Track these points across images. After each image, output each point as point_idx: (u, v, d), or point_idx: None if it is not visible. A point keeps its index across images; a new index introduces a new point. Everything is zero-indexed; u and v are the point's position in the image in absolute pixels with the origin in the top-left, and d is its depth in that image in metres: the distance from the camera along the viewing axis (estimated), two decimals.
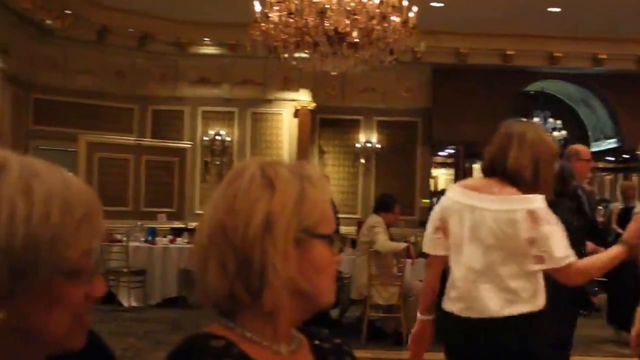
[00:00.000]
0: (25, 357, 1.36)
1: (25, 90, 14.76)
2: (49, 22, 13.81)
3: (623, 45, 16.07)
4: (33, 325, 1.31)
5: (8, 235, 1.26)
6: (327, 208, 1.66)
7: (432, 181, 17.58)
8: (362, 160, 16.83)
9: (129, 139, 15.63)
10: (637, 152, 16.78)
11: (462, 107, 15.87)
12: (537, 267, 3.72)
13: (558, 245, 3.69)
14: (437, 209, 4.00)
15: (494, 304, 3.75)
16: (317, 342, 1.77)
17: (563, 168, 6.80)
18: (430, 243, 4.01)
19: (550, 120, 20.34)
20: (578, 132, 19.86)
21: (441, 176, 20.07)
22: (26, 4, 12.90)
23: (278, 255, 1.56)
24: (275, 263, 1.56)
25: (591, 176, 7.54)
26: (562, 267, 3.67)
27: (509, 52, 16.20)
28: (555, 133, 20.29)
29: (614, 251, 3.78)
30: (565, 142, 20.30)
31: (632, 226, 3.85)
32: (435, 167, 17.46)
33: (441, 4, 13.81)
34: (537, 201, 3.76)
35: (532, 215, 3.72)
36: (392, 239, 9.97)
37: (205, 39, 16.30)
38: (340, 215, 15.34)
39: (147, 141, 15.86)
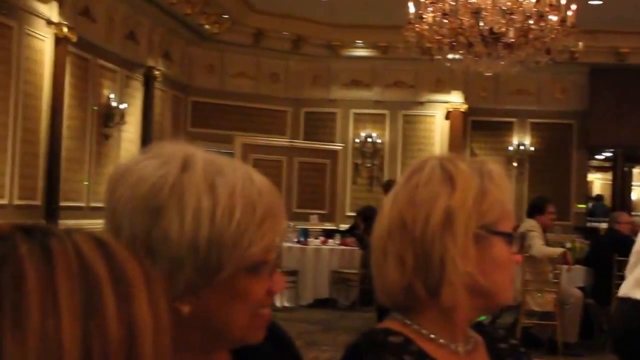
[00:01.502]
0: (209, 351, 1.39)
1: (183, 93, 15.32)
2: (207, 26, 14.23)
3: None
4: (216, 319, 1.34)
5: (193, 231, 1.28)
6: (507, 205, 1.64)
7: (588, 186, 17.15)
8: (515, 164, 16.59)
9: (283, 141, 15.95)
10: None
11: (620, 108, 15.43)
12: None
13: None
14: None
15: None
16: (493, 342, 1.75)
17: None
18: None
19: None
20: None
21: (597, 181, 19.59)
22: (186, 10, 13.33)
23: (457, 250, 1.56)
24: (455, 259, 1.55)
25: None
26: None
27: None
28: None
29: None
30: None
31: None
32: (591, 172, 17.03)
33: (600, 2, 13.56)
34: None
35: None
36: (547, 244, 9.79)
37: (357, 42, 16.45)
38: None
39: (300, 143, 16.12)
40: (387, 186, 12.85)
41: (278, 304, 12.06)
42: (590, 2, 13.18)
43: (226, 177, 1.33)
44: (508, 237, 1.62)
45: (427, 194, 1.59)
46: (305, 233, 13.05)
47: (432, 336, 1.62)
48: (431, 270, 1.56)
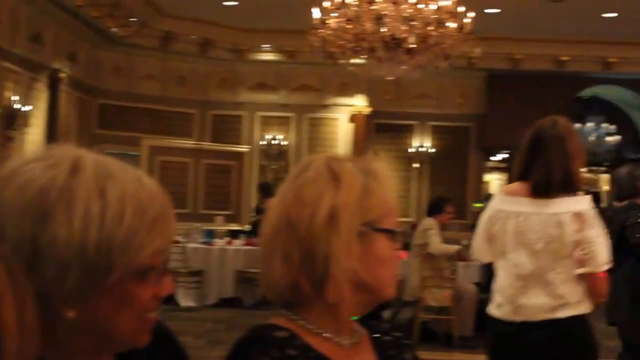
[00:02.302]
0: (95, 356, 1.36)
1: (90, 96, 15.20)
2: (114, 29, 14.14)
3: None
4: (103, 324, 1.32)
5: (82, 235, 1.26)
6: (391, 203, 1.67)
7: (484, 186, 17.58)
8: (416, 165, 16.97)
9: (189, 143, 16.01)
10: None
11: (515, 112, 15.83)
12: (580, 270, 3.73)
13: (602, 249, 3.72)
14: (483, 218, 4.02)
15: (542, 308, 3.77)
16: (378, 335, 1.78)
17: (632, 171, 6.95)
18: (479, 251, 4.04)
19: (604, 125, 20.31)
20: (632, 137, 19.74)
21: (494, 181, 20.11)
22: (93, 12, 13.23)
23: (342, 247, 1.58)
24: (339, 255, 1.57)
25: None
26: (599, 273, 3.73)
27: (562, 58, 16.24)
28: (609, 138, 20.28)
29: None
30: (619, 148, 20.31)
31: None
32: (488, 172, 17.47)
33: (497, 10, 13.92)
34: (584, 203, 3.79)
35: (579, 217, 3.74)
36: (445, 241, 10.05)
37: (264, 46, 16.62)
38: None
39: (206, 145, 16.20)
40: (264, 189, 13.14)
41: (183, 303, 12.13)
42: (486, 11, 13.52)
43: (116, 181, 1.31)
44: (391, 233, 1.65)
45: (312, 193, 1.61)
46: (211, 234, 13.09)
47: (318, 331, 1.64)
48: (316, 266, 1.58)
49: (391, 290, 1.67)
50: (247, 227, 14.01)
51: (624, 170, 6.90)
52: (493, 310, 3.93)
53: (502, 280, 3.89)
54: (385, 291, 1.66)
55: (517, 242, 3.81)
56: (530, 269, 3.79)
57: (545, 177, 3.80)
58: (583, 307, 3.77)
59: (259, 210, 12.91)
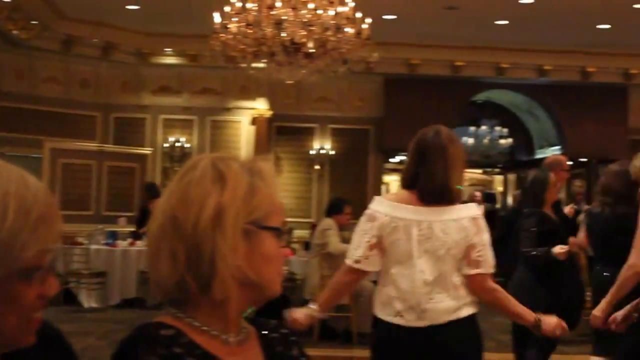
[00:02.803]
0: None
1: None
2: (15, 32, 13.96)
3: (567, 56, 16.65)
4: None
5: None
6: (276, 201, 1.69)
7: (384, 187, 17.89)
8: (317, 167, 17.19)
9: (92, 145, 15.88)
10: (580, 159, 17.30)
11: (412, 115, 15.89)
12: (473, 271, 3.89)
13: (490, 252, 3.92)
14: (370, 226, 3.92)
15: (447, 310, 3.87)
16: (265, 332, 1.80)
17: (535, 179, 7.30)
18: (367, 260, 3.92)
19: (497, 128, 20.77)
20: (524, 140, 20.24)
21: (393, 182, 20.42)
22: None
23: (227, 246, 1.59)
24: (225, 253, 1.59)
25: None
26: (487, 274, 3.91)
27: (458, 63, 16.68)
28: (502, 141, 20.79)
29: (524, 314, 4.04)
30: (512, 150, 20.88)
31: None
32: (387, 174, 17.76)
33: (394, 16, 14.19)
34: (475, 209, 4.01)
35: (476, 222, 3.91)
36: (344, 241, 9.99)
37: (166, 50, 16.65)
38: (295, 219, 15.79)
39: (109, 147, 16.10)
40: (149, 189, 13.15)
41: (86, 304, 12.12)
42: (384, 17, 13.80)
43: None
44: (276, 231, 1.67)
45: (198, 192, 1.62)
46: (114, 235, 13.05)
47: (205, 328, 1.65)
48: (202, 265, 1.59)
49: (277, 288, 1.69)
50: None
51: (531, 176, 7.23)
52: (390, 317, 3.91)
53: (404, 288, 3.89)
54: (271, 288, 1.68)
55: (421, 249, 3.85)
56: (435, 275, 3.87)
57: (429, 186, 3.88)
58: (476, 306, 3.95)
59: (143, 211, 12.92)
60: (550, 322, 4.06)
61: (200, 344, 1.63)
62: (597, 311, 4.85)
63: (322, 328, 10.01)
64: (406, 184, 3.97)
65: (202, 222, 1.59)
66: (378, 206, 3.94)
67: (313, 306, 4.16)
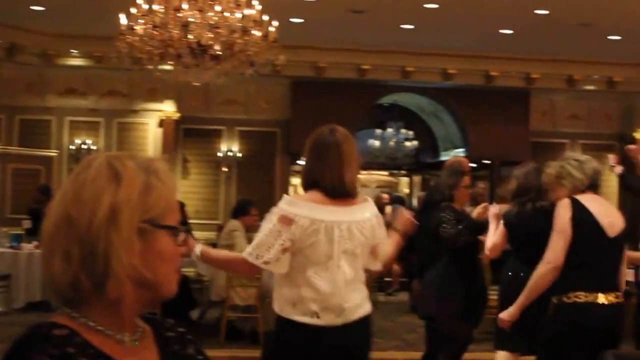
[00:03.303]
0: None
1: None
2: None
3: (471, 61, 16.95)
4: None
5: None
6: (172, 201, 1.69)
7: (291, 189, 17.97)
8: (224, 169, 17.16)
9: None
10: (484, 161, 17.63)
11: (319, 118, 15.69)
12: (379, 265, 4.10)
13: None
14: (285, 229, 3.90)
15: (359, 306, 4.00)
16: (161, 331, 1.78)
17: (439, 182, 7.46)
18: (277, 262, 3.91)
19: (403, 131, 20.95)
20: (429, 142, 20.49)
21: (300, 184, 20.51)
22: None
23: (122, 245, 1.58)
24: (120, 253, 1.58)
25: None
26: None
27: (364, 67, 16.80)
28: (408, 143, 21.00)
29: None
30: (417, 152, 21.15)
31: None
32: (294, 176, 17.85)
33: (301, 20, 14.27)
34: (374, 206, 4.15)
35: (379, 219, 4.09)
36: (251, 242, 10.28)
37: (72, 51, 16.44)
38: (202, 222, 15.79)
39: (14, 150, 15.86)
40: (42, 191, 13.07)
41: None
42: (291, 20, 13.85)
43: None
44: (173, 230, 1.66)
45: (93, 190, 1.60)
46: (18, 238, 12.84)
47: (99, 328, 1.63)
48: (96, 264, 1.57)
49: (173, 287, 1.68)
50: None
51: (442, 176, 7.40)
52: (304, 318, 3.92)
53: (324, 289, 3.91)
54: (167, 287, 1.67)
55: (340, 249, 3.91)
56: (352, 274, 3.96)
57: (330, 183, 3.95)
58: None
59: (34, 212, 12.77)
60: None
61: (94, 343, 1.61)
62: (505, 315, 4.98)
63: (229, 329, 10.08)
64: (307, 184, 4.03)
65: (97, 221, 1.58)
66: (294, 208, 3.93)
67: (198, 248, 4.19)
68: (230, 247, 9.90)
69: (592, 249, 4.76)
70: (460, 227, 6.65)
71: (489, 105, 17.70)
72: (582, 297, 4.66)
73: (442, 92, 18.08)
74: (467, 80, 17.41)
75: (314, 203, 3.93)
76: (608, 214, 4.81)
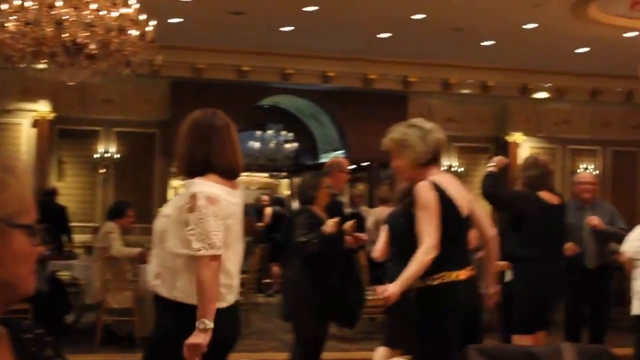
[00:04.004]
0: None
1: None
2: None
3: (350, 64, 17.13)
4: None
5: None
6: (28, 199, 1.65)
7: (171, 191, 17.79)
8: (101, 170, 16.90)
9: None
10: (363, 164, 17.84)
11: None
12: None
13: None
14: (218, 208, 3.85)
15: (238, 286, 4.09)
16: (18, 333, 1.74)
17: (308, 180, 7.50)
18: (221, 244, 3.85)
19: (283, 133, 21.11)
20: (309, 144, 20.66)
21: (181, 186, 20.38)
22: None
23: None
24: None
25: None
26: None
27: (244, 68, 16.79)
28: (288, 145, 21.15)
29: None
30: (297, 154, 21.27)
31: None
32: (174, 178, 17.69)
33: (179, 20, 14.14)
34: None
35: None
36: (127, 245, 10.15)
37: None
38: (79, 224, 15.49)
39: None
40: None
41: None
42: (169, 20, 13.73)
43: None
44: (28, 229, 1.63)
45: None
46: None
47: None
48: None
49: (30, 287, 1.65)
50: None
51: (305, 178, 7.47)
52: (220, 303, 3.88)
53: (233, 270, 3.95)
54: (23, 287, 1.63)
55: (238, 232, 3.98)
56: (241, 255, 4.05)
57: (225, 164, 3.93)
58: None
59: None
60: None
61: None
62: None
63: (105, 333, 9.95)
64: (196, 168, 3.93)
65: None
66: (212, 189, 3.87)
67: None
68: (106, 249, 9.80)
69: (454, 230, 4.80)
70: (310, 236, 6.76)
71: (368, 108, 17.91)
72: (447, 277, 4.70)
73: (321, 94, 18.21)
74: (346, 83, 17.57)
75: (222, 185, 3.91)
76: (461, 195, 4.86)
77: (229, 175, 3.95)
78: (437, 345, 4.76)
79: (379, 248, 7.03)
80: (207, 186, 3.87)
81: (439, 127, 5.00)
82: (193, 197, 3.83)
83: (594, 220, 8.06)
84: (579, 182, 8.74)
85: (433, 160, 4.91)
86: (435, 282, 4.73)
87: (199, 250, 3.79)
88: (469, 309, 4.82)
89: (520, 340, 6.86)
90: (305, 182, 7.33)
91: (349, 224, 7.21)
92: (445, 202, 4.76)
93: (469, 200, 4.94)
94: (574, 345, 3.85)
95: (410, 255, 4.63)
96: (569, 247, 7.73)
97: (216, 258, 3.81)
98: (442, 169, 4.96)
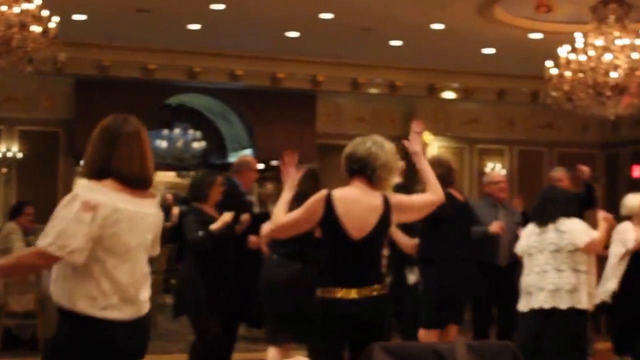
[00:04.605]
0: None
1: None
2: None
3: (258, 62, 17.07)
4: None
5: None
6: None
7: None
8: (3, 170, 16.53)
9: None
10: (271, 163, 17.83)
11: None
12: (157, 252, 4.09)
13: None
14: (90, 216, 3.69)
15: (148, 302, 3.94)
16: None
17: (230, 181, 7.48)
18: (81, 253, 3.67)
19: (191, 131, 21.02)
20: (217, 143, 20.62)
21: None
22: None
23: None
24: None
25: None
26: None
27: (150, 66, 16.58)
28: (195, 144, 21.04)
29: None
30: (205, 153, 21.17)
31: None
32: (78, 177, 17.41)
33: (84, 16, 13.90)
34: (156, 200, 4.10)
35: (160, 213, 4.08)
36: (28, 244, 9.86)
37: None
38: None
39: None
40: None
41: None
42: (74, 17, 13.54)
43: None
44: None
45: None
46: None
47: None
48: None
49: None
50: None
51: (198, 176, 7.43)
52: (102, 312, 3.75)
53: (124, 281, 3.81)
54: None
55: (138, 241, 3.85)
56: (146, 267, 3.93)
57: (128, 171, 3.84)
58: None
59: None
60: None
61: None
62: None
63: (5, 337, 9.71)
64: (96, 173, 3.83)
65: None
66: (95, 194, 3.74)
67: None
68: (7, 251, 9.67)
69: (336, 249, 4.84)
70: (201, 233, 6.85)
71: (276, 107, 17.93)
72: (330, 292, 4.76)
73: (229, 93, 18.13)
74: (254, 82, 17.51)
75: (114, 191, 3.78)
76: (358, 216, 4.82)
77: (132, 183, 3.84)
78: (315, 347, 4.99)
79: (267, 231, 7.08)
80: (91, 191, 3.76)
81: (367, 141, 4.94)
82: (73, 197, 3.72)
83: (498, 228, 8.11)
84: (494, 181, 8.86)
85: (356, 172, 4.89)
86: (319, 294, 4.83)
87: (48, 246, 3.63)
88: (363, 328, 4.80)
89: (426, 335, 7.02)
90: (198, 179, 7.35)
91: (244, 217, 7.26)
92: (329, 218, 4.81)
93: (377, 218, 4.87)
94: (464, 339, 3.93)
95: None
96: (498, 225, 7.90)
97: (53, 259, 3.66)
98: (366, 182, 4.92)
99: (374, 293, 4.79)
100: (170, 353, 9.77)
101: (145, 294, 3.91)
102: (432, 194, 4.99)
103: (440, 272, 7.08)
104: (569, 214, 6.71)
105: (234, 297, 7.21)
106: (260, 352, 9.67)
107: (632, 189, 10.45)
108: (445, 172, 7.01)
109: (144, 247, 3.92)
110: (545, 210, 6.76)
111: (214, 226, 6.91)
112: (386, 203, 4.84)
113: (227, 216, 6.98)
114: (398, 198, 4.95)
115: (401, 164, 8.21)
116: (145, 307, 3.92)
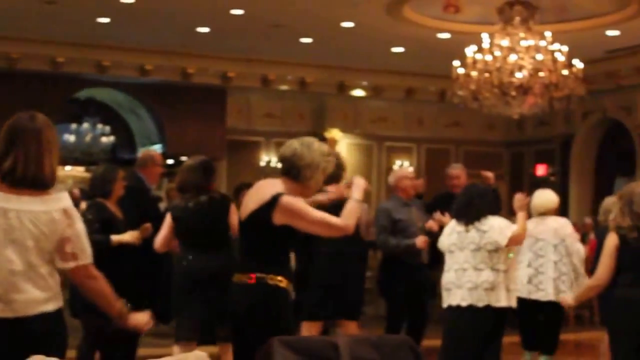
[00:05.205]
0: None
1: None
2: None
3: (168, 57, 17.01)
4: None
5: None
6: None
7: None
8: None
9: None
10: (181, 158, 17.74)
11: (12, 111, 15.01)
12: (72, 264, 3.85)
13: (87, 241, 3.92)
14: None
15: (36, 301, 3.79)
16: None
17: (135, 176, 7.40)
18: None
19: (100, 126, 20.77)
20: (126, 138, 20.43)
21: None
22: None
23: None
24: None
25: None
26: (88, 264, 3.91)
27: (58, 59, 16.37)
28: (104, 139, 20.80)
29: None
30: (114, 148, 20.96)
31: None
32: None
33: None
34: (67, 199, 3.91)
35: (67, 213, 3.84)
36: None
37: None
38: None
39: None
40: None
41: None
42: None
43: None
44: None
45: None
46: None
47: None
48: None
49: None
50: None
51: (99, 171, 7.21)
52: None
53: None
54: None
55: (8, 239, 3.74)
56: (24, 266, 3.77)
57: (22, 171, 3.77)
58: (62, 299, 3.92)
59: None
60: (139, 318, 4.16)
61: None
62: None
63: None
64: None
65: None
66: None
67: None
68: None
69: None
70: (98, 237, 6.51)
71: (187, 102, 17.90)
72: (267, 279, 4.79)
73: (138, 87, 18.02)
74: (164, 77, 17.44)
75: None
76: (245, 200, 4.94)
77: (22, 182, 3.77)
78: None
79: (158, 240, 7.03)
80: None
81: (295, 141, 4.94)
82: None
83: (423, 244, 8.19)
84: (405, 177, 8.68)
85: (284, 172, 4.92)
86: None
87: None
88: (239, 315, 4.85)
89: (309, 327, 7.10)
90: (100, 174, 7.03)
91: (146, 227, 7.01)
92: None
93: (255, 207, 4.83)
94: (341, 331, 4.03)
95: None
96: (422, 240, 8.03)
97: None
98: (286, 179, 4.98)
99: (247, 281, 4.80)
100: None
101: (26, 295, 3.80)
102: (342, 219, 4.82)
103: (323, 265, 7.19)
104: (493, 212, 6.80)
105: (131, 296, 7.08)
106: (167, 348, 9.68)
107: (535, 186, 10.65)
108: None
109: (18, 245, 3.78)
110: (471, 208, 6.79)
111: (117, 238, 6.69)
112: (274, 200, 4.75)
113: (132, 237, 6.77)
114: (292, 202, 4.76)
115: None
116: (31, 308, 3.81)
